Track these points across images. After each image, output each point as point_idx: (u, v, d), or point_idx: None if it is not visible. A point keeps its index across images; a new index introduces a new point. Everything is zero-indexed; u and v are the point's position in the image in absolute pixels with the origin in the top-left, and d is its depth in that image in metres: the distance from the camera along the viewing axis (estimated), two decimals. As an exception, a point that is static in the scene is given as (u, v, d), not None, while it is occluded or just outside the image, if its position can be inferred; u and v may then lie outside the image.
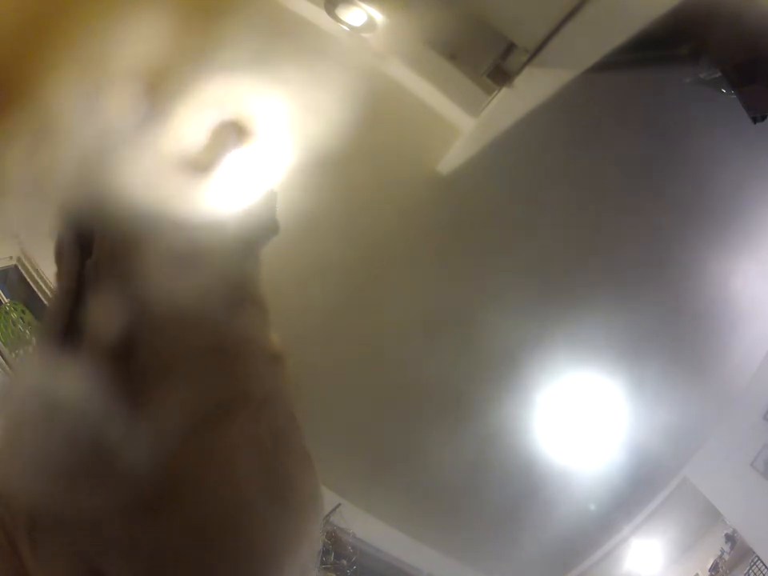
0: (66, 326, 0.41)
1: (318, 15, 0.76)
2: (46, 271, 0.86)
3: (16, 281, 0.85)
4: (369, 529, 0.89)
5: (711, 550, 1.01)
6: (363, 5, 0.75)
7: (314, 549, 0.39)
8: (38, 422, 0.38)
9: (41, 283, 0.87)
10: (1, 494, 0.37)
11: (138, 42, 0.63)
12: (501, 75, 0.80)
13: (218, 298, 0.42)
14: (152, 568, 0.35)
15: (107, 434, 0.36)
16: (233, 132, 0.67)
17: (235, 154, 0.67)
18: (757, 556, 0.97)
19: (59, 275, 0.46)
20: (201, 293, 0.41)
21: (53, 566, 0.36)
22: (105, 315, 0.39)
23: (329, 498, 0.87)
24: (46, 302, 0.87)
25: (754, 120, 0.82)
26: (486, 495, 0.91)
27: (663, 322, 0.92)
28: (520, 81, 0.80)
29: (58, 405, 0.38)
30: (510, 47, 0.79)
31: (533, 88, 0.81)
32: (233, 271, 0.45)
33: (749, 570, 0.98)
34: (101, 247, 0.43)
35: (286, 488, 0.38)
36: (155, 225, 0.45)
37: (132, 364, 0.38)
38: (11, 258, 0.84)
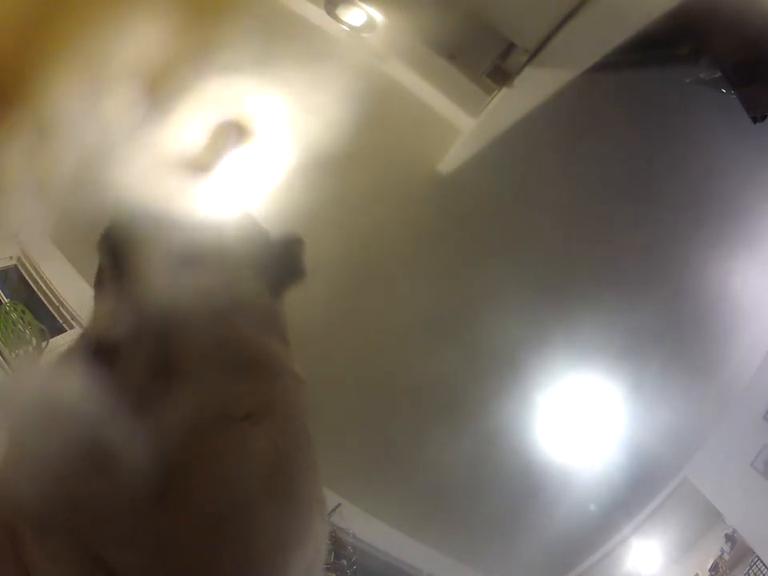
0: (105, 338, 0.41)
1: (318, 16, 0.76)
2: (46, 271, 0.87)
3: (16, 281, 0.85)
4: (369, 529, 0.89)
5: (711, 550, 1.01)
6: (363, 5, 0.75)
7: (319, 549, 0.40)
8: (42, 424, 0.38)
9: (41, 283, 0.87)
10: (7, 496, 0.38)
11: (139, 42, 0.63)
12: (501, 75, 0.80)
13: (249, 319, 0.43)
14: (157, 554, 0.36)
15: (112, 433, 0.37)
16: (233, 132, 0.67)
17: (235, 153, 0.67)
18: (757, 556, 0.97)
19: (100, 296, 0.47)
20: (232, 310, 0.42)
21: (59, 563, 0.37)
22: (136, 320, 0.40)
23: (329, 498, 0.87)
24: (45, 302, 0.87)
25: (754, 120, 0.82)
26: (486, 495, 0.91)
27: (663, 322, 0.92)
28: (520, 81, 0.80)
29: (60, 406, 0.38)
30: (510, 47, 0.79)
31: (533, 88, 0.81)
32: (262, 300, 0.46)
33: (749, 570, 0.99)
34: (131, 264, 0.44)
35: (293, 492, 0.39)
36: (165, 226, 0.46)
37: (163, 367, 0.39)
38: (11, 258, 0.84)
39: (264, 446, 0.39)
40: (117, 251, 0.44)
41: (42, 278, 0.85)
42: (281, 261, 0.49)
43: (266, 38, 0.70)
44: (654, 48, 0.81)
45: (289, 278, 0.49)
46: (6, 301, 0.84)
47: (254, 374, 0.43)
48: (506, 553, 0.93)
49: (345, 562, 0.89)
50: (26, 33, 0.63)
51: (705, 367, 0.96)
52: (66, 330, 0.86)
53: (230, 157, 0.66)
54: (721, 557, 1.00)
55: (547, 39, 0.78)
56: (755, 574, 0.98)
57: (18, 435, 0.40)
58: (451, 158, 0.81)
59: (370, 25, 0.76)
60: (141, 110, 0.63)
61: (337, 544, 0.88)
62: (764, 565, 0.97)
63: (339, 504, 0.87)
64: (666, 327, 0.93)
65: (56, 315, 0.85)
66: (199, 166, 0.63)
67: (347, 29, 0.76)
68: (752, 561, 0.98)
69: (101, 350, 0.40)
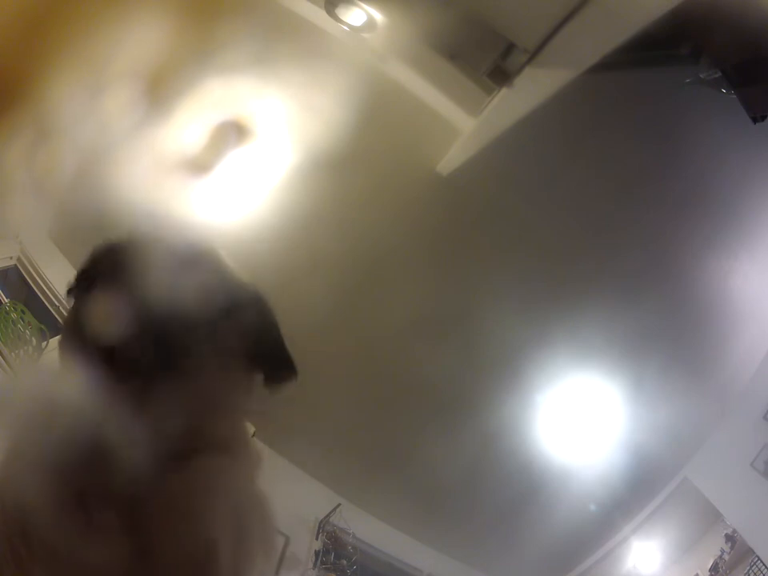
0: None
1: (318, 15, 0.76)
2: (46, 271, 0.87)
3: (16, 281, 0.85)
4: (369, 529, 0.89)
5: (711, 550, 1.01)
6: (363, 5, 0.75)
7: None
8: (38, 429, 0.38)
9: (41, 283, 0.87)
10: (9, 498, 0.38)
11: (139, 42, 0.63)
12: (501, 75, 0.80)
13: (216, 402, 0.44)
14: None
15: (112, 434, 0.37)
16: (233, 132, 0.67)
17: (235, 153, 0.67)
18: (757, 556, 0.97)
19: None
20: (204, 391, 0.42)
21: (58, 565, 0.37)
22: (133, 321, 0.40)
23: (329, 498, 0.87)
24: (46, 302, 0.87)
25: (754, 120, 0.82)
26: (486, 495, 0.91)
27: (663, 321, 0.92)
28: (520, 81, 0.80)
29: (57, 410, 0.38)
30: (510, 47, 0.79)
31: (533, 88, 0.81)
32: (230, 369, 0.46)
33: (749, 570, 0.99)
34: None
35: (248, 535, 0.41)
36: (156, 230, 0.46)
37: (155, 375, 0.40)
38: (11, 258, 0.84)
39: (229, 514, 0.41)
40: (116, 254, 0.44)
41: (41, 277, 0.85)
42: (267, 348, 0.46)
43: (266, 38, 0.70)
44: (654, 48, 0.81)
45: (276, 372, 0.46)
46: (6, 301, 0.84)
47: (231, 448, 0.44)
48: (506, 552, 0.93)
49: (345, 561, 0.89)
50: (26, 33, 0.63)
51: (705, 367, 0.96)
52: (66, 330, 0.85)
53: (229, 157, 0.66)
54: (721, 557, 1.00)
55: (547, 39, 0.78)
56: (755, 574, 0.98)
57: (18, 435, 0.41)
58: (451, 158, 0.81)
59: (370, 25, 0.76)
60: (141, 110, 0.63)
61: (337, 544, 0.88)
62: (764, 565, 0.97)
63: (339, 504, 0.87)
64: (666, 327, 0.93)
65: (56, 315, 0.85)
66: (199, 166, 0.63)
67: (347, 29, 0.76)
68: (752, 561, 0.98)
69: (100, 351, 0.40)
